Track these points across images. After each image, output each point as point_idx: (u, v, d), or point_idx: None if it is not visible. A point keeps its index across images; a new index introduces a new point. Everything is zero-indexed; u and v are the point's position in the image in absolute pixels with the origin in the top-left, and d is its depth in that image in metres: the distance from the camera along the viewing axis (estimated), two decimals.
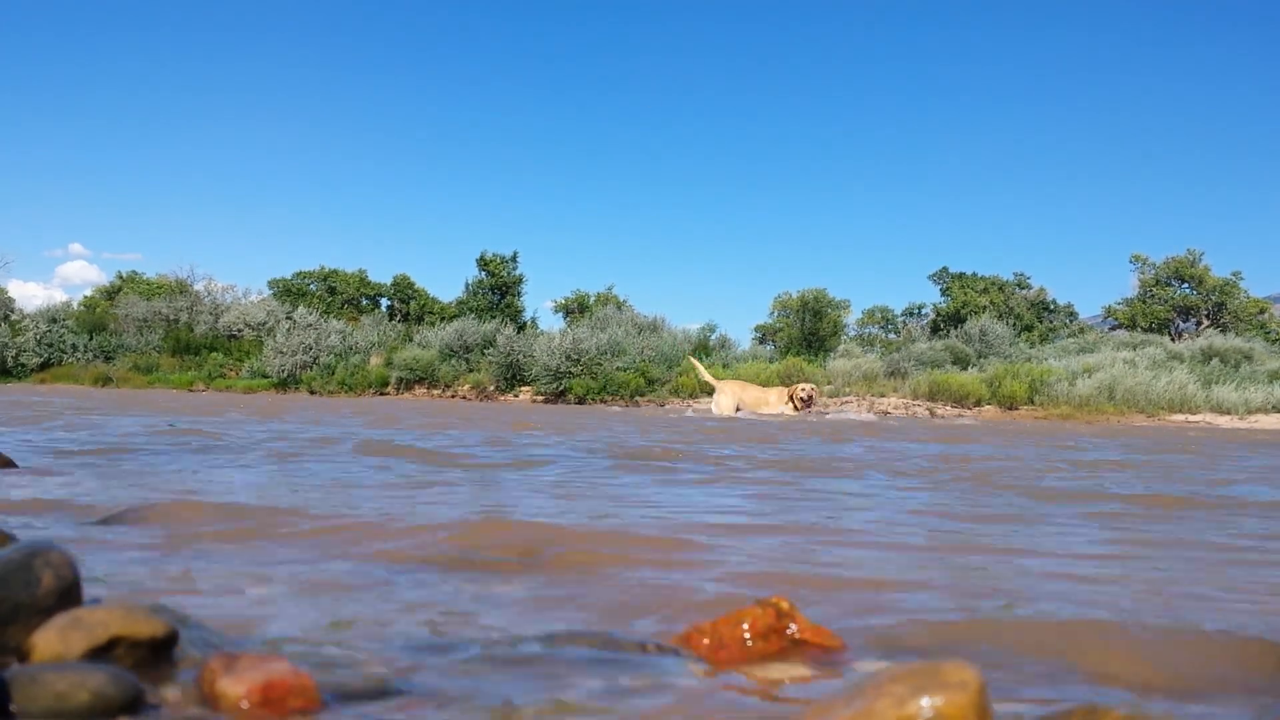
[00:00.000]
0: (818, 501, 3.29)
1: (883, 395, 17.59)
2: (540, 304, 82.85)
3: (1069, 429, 11.84)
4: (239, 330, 28.61)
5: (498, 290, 30.17)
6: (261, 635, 1.33)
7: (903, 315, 32.59)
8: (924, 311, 31.97)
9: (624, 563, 1.94)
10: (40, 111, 58.77)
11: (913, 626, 1.47)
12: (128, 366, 26.42)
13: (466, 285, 30.72)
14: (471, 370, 21.98)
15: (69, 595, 1.14)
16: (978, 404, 16.54)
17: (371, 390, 21.96)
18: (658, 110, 64.91)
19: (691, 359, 18.29)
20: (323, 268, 34.85)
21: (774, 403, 15.25)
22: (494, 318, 25.89)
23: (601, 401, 19.01)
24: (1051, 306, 31.42)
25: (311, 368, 23.71)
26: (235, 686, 1.00)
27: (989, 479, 4.27)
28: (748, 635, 1.34)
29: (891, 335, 31.27)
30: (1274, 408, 15.23)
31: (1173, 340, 24.51)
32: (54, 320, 29.93)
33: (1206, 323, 28.78)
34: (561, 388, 19.67)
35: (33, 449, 4.55)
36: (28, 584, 1.10)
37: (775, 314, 31.52)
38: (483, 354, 22.23)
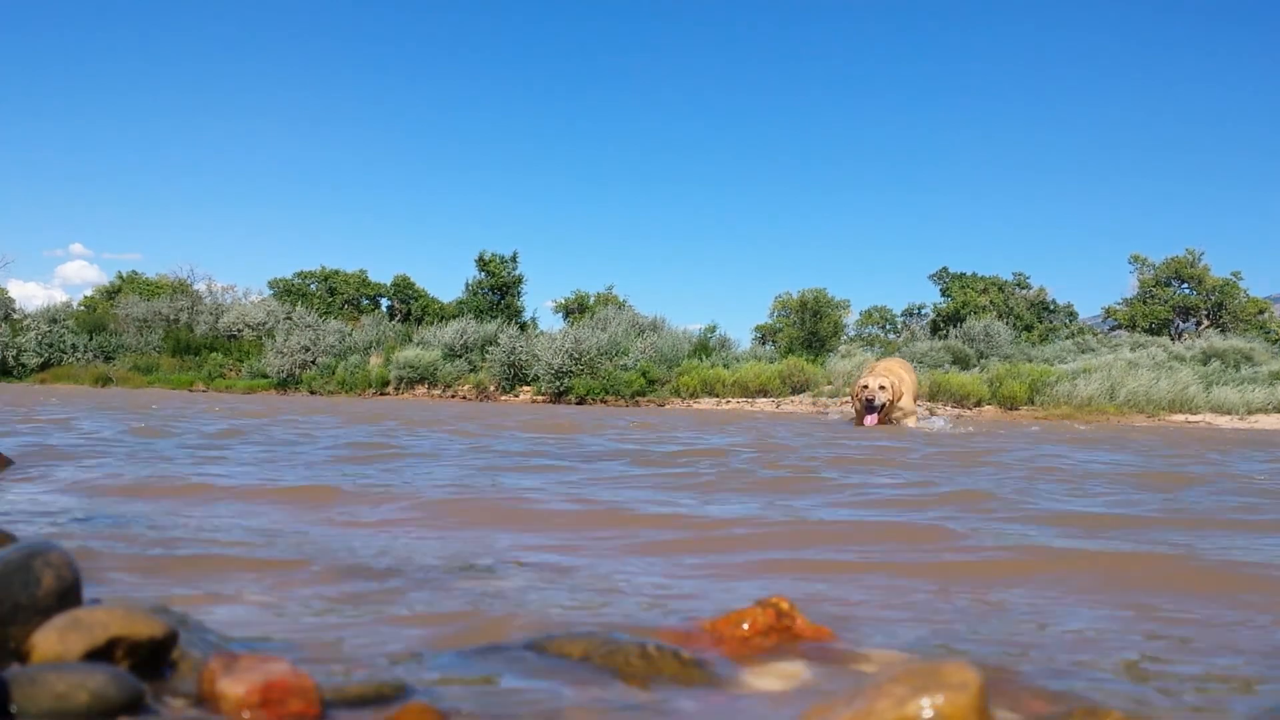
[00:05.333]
0: None
1: None
2: (540, 304, 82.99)
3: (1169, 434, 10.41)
4: (239, 330, 28.61)
5: (498, 290, 30.18)
6: None
7: (902, 315, 32.60)
8: (924, 311, 31.98)
9: None
10: (40, 112, 58.84)
11: None
12: (128, 366, 26.43)
13: (466, 285, 30.75)
14: (473, 370, 21.99)
15: (69, 596, 1.14)
16: (978, 404, 16.54)
17: (371, 390, 21.97)
18: (658, 110, 64.99)
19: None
20: (323, 268, 34.87)
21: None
22: (494, 318, 25.89)
23: (602, 401, 19.02)
24: (1051, 306, 31.42)
25: (310, 368, 23.72)
26: (235, 687, 1.00)
27: None
28: (748, 635, 1.34)
29: (891, 335, 31.28)
30: (1275, 408, 15.23)
31: (1173, 340, 24.51)
32: (54, 320, 29.95)
33: (1206, 323, 28.78)
34: (563, 387, 19.67)
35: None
36: (27, 584, 1.10)
37: (775, 314, 31.52)
38: (483, 354, 22.24)
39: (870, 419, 9.84)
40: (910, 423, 10.20)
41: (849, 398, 12.04)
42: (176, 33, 63.66)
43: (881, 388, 9.90)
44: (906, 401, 10.24)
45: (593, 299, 31.37)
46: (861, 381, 10.19)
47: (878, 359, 13.62)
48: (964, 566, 2.04)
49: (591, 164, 61.39)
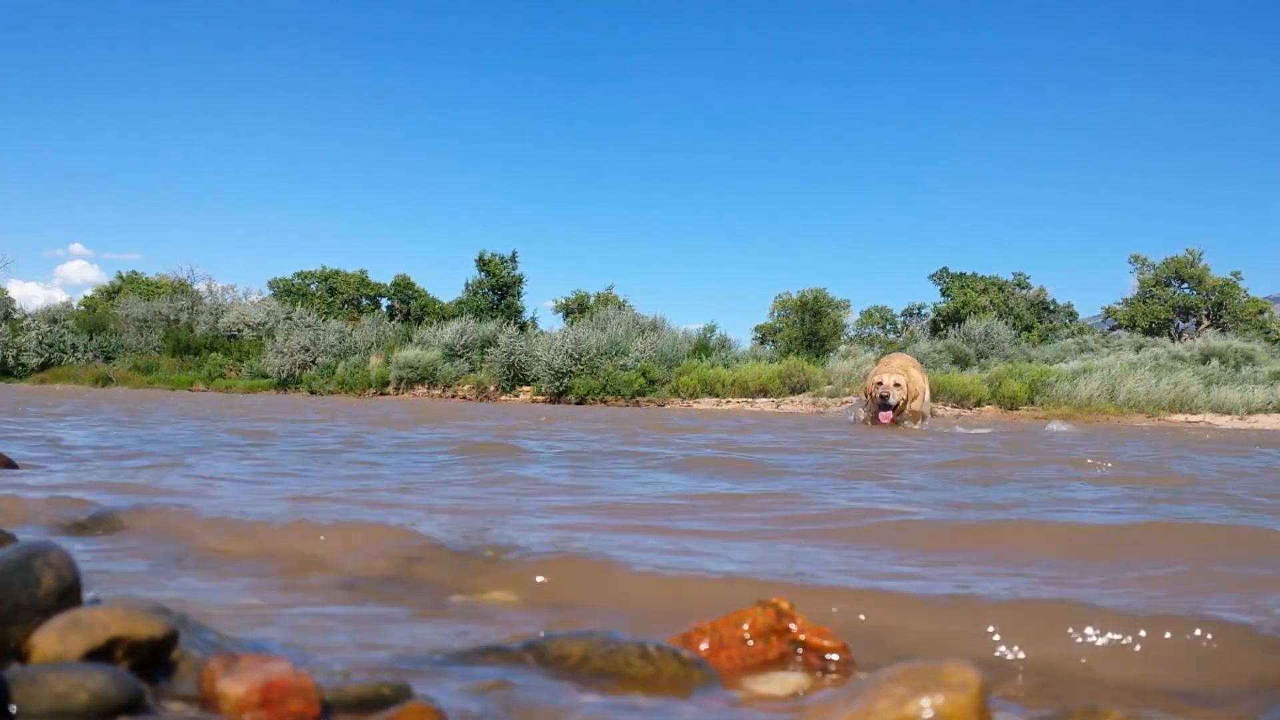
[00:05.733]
0: None
1: None
2: (540, 304, 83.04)
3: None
4: (239, 330, 28.63)
5: (498, 290, 30.20)
6: None
7: (902, 315, 32.61)
8: (924, 311, 31.99)
9: None
10: (40, 111, 58.93)
11: None
12: (128, 366, 26.45)
13: (466, 285, 30.78)
14: (472, 370, 22.00)
15: (69, 596, 1.14)
16: (978, 404, 16.55)
17: (371, 390, 21.97)
18: (658, 110, 65.06)
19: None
20: (323, 268, 34.90)
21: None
22: (494, 318, 25.91)
23: (602, 401, 19.02)
24: (1051, 306, 31.44)
25: (310, 368, 23.72)
26: (235, 687, 1.00)
27: None
28: (748, 636, 1.34)
29: (891, 335, 31.29)
30: (1275, 408, 15.23)
31: (1173, 340, 24.52)
32: (54, 320, 29.97)
33: (1206, 323, 28.78)
34: (563, 387, 19.68)
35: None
36: (27, 584, 1.10)
37: (775, 314, 31.53)
38: (483, 354, 22.25)
39: (885, 416, 9.32)
40: (919, 426, 9.71)
41: (854, 396, 11.54)
42: (176, 33, 63.75)
43: (896, 384, 9.37)
44: (919, 403, 9.69)
45: (593, 299, 31.39)
46: (875, 378, 9.58)
47: (878, 358, 13.47)
48: None
49: (591, 164, 61.50)
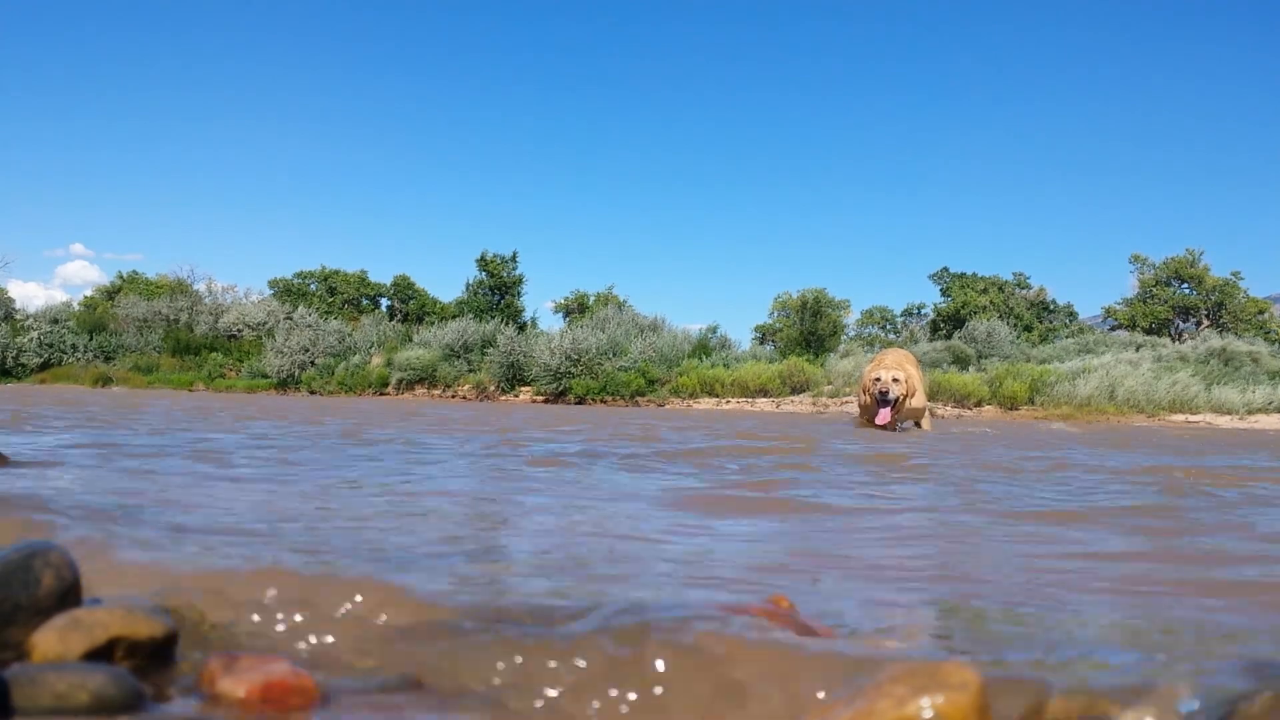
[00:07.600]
0: None
1: None
2: (540, 304, 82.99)
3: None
4: (239, 331, 28.62)
5: (498, 290, 30.18)
6: None
7: (902, 315, 32.62)
8: (924, 311, 32.00)
9: None
10: (40, 111, 58.93)
11: None
12: (128, 367, 26.45)
13: (466, 285, 30.75)
14: (472, 370, 22.00)
15: (69, 596, 1.14)
16: (978, 404, 16.55)
17: (371, 390, 21.97)
18: (658, 110, 65.02)
19: None
20: (323, 268, 34.89)
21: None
22: (494, 318, 25.90)
23: (602, 402, 19.02)
24: (1051, 306, 31.44)
25: (310, 368, 23.73)
26: (235, 687, 1.00)
27: None
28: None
29: (891, 335, 31.30)
30: (1276, 408, 15.24)
31: (1173, 340, 24.53)
32: (55, 320, 29.98)
33: (1206, 323, 28.78)
34: (562, 388, 19.68)
35: None
36: (27, 584, 1.10)
37: (775, 314, 31.54)
38: (483, 354, 22.24)
39: (883, 414, 8.88)
40: (925, 424, 9.45)
41: (855, 396, 11.29)
42: (176, 33, 63.76)
43: (895, 379, 8.93)
44: (917, 401, 9.24)
45: (592, 299, 31.38)
46: (873, 374, 9.12)
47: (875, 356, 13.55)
48: None
49: (592, 164, 61.47)
